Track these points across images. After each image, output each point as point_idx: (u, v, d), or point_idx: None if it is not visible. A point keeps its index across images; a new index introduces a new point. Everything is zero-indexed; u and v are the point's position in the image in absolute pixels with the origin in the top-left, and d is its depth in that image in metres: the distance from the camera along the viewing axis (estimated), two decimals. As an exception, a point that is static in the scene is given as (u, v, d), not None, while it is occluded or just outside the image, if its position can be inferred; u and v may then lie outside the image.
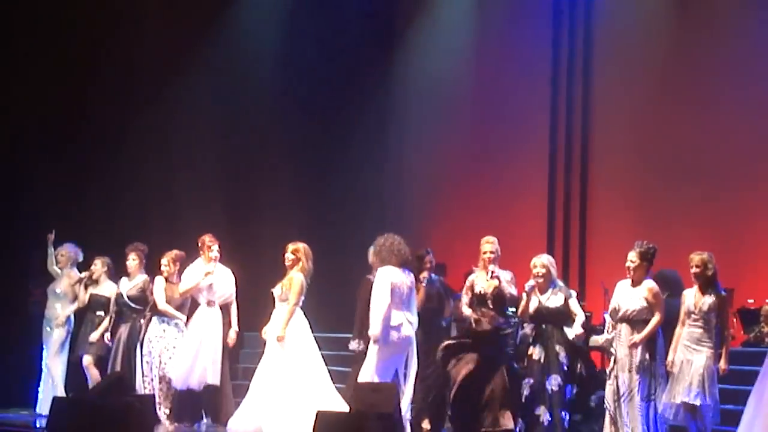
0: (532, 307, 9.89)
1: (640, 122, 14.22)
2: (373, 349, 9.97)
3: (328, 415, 9.07)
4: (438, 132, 15.68)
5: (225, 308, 11.48)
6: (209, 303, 11.35)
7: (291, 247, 10.76)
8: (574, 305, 9.93)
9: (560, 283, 10.08)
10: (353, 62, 15.36)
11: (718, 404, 9.35)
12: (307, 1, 15.11)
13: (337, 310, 12.35)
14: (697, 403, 9.21)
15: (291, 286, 10.60)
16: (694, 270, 9.43)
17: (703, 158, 13.70)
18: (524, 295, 9.92)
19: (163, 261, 11.53)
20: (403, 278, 10.01)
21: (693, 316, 9.36)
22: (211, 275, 11.29)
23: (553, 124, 15.04)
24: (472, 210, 15.01)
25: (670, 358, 9.40)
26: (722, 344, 9.34)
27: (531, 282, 9.95)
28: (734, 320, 11.99)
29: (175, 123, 14.44)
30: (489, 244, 10.11)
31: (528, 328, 9.99)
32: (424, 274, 10.78)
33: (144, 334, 11.42)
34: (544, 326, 9.88)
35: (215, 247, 11.41)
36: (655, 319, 9.40)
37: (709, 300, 9.33)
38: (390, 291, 9.86)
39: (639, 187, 14.15)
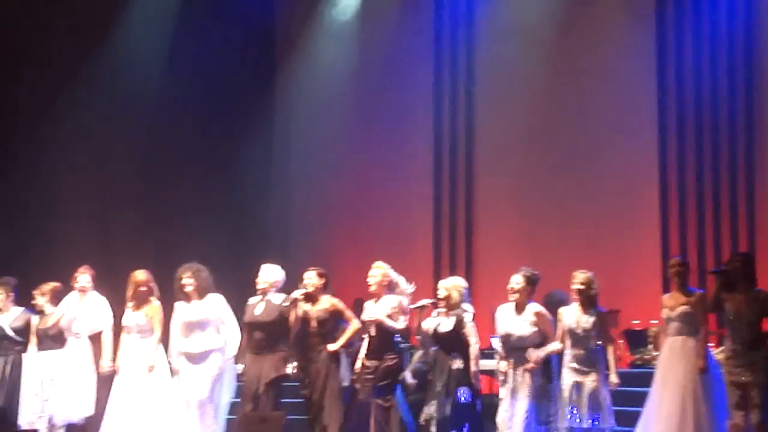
0: (431, 330, 9.62)
1: (523, 146, 14.39)
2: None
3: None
4: (323, 160, 15.65)
5: (97, 338, 11.14)
6: (75, 335, 11.04)
7: (142, 276, 10.65)
8: (469, 330, 9.52)
9: (466, 307, 9.62)
10: (235, 92, 15.24)
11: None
12: (188, 32, 14.84)
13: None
14: (604, 426, 9.19)
15: (155, 315, 10.55)
16: (578, 287, 9.39)
17: (588, 182, 13.91)
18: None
19: (37, 293, 11.21)
20: None
21: (576, 335, 9.33)
22: (71, 307, 10.98)
23: (437, 150, 15.13)
24: (359, 236, 14.97)
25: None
26: (610, 360, 9.32)
27: (423, 301, 9.70)
28: (621, 341, 12.13)
29: (53, 151, 14.08)
30: (375, 269, 9.91)
31: (432, 351, 9.68)
32: None
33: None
34: (438, 351, 9.58)
35: (81, 278, 11.08)
36: (553, 346, 9.38)
37: (591, 319, 9.31)
38: None
39: (524, 210, 14.30)
